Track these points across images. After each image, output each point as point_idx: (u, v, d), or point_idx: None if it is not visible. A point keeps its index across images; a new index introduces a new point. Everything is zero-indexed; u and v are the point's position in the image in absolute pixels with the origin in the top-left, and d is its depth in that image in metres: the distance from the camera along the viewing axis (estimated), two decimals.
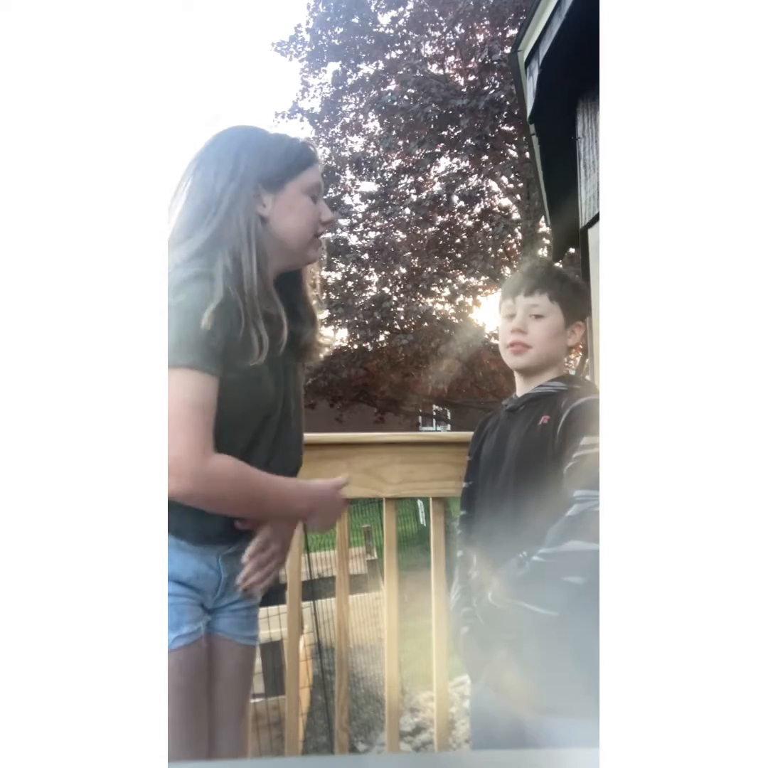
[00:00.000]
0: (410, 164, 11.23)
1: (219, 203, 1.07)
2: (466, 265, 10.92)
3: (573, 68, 2.93)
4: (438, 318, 11.05)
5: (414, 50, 11.50)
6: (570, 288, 1.33)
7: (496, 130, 10.40)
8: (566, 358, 1.40)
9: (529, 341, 1.29)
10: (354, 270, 11.24)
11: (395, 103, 10.32)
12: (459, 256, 11.27)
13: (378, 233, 11.41)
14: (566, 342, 1.32)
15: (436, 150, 10.75)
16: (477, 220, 11.22)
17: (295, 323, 1.18)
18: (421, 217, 11.01)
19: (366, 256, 11.26)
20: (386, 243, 11.04)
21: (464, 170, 11.06)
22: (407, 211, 11.11)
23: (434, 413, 14.90)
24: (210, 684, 1.16)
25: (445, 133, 10.60)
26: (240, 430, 1.09)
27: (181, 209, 1.10)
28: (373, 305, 10.68)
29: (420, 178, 11.40)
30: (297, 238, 1.14)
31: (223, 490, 1.03)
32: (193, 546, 1.09)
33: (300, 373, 1.26)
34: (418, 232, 11.32)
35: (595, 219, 3.11)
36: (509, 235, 11.14)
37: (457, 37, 11.07)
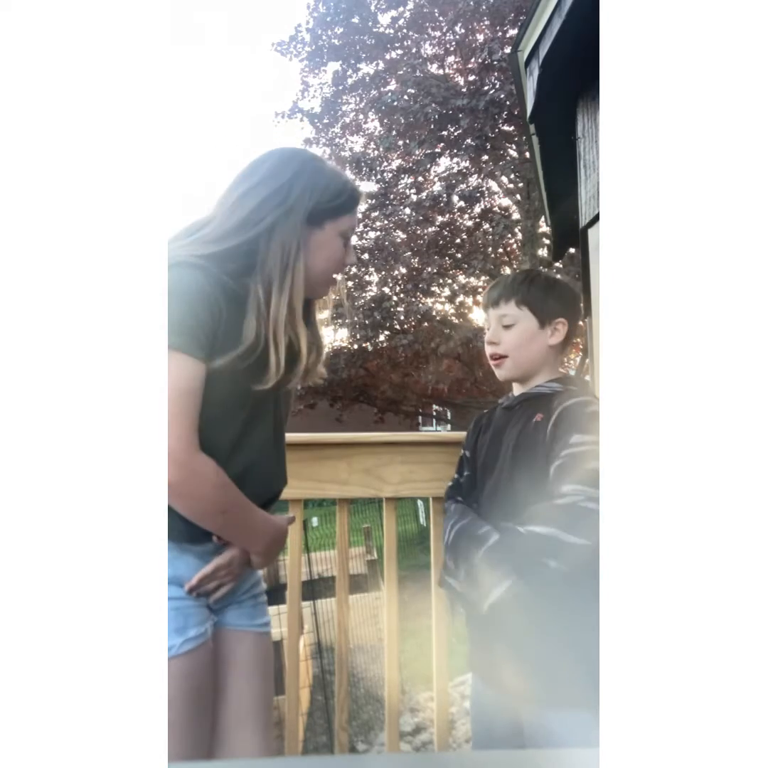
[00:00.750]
0: (410, 164, 11.23)
1: (260, 222, 1.06)
2: (466, 265, 10.93)
3: (573, 68, 2.93)
4: (438, 318, 11.06)
5: (414, 50, 11.50)
6: (539, 289, 1.33)
7: (496, 130, 10.40)
8: (565, 359, 1.40)
9: (504, 351, 1.31)
10: (354, 270, 11.24)
11: (395, 103, 10.32)
12: (459, 256, 11.27)
13: (378, 233, 11.41)
14: (546, 342, 1.31)
15: (436, 150, 10.75)
16: (477, 220, 11.22)
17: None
18: (421, 217, 11.01)
19: (366, 256, 11.26)
20: (386, 243, 11.04)
21: (464, 170, 11.06)
22: (407, 211, 11.11)
23: (434, 413, 14.90)
24: (228, 679, 1.15)
25: (445, 133, 10.60)
26: (223, 434, 1.07)
27: (222, 217, 1.08)
28: (373, 305, 10.68)
29: (420, 178, 11.41)
30: (319, 275, 1.14)
31: (203, 491, 1.02)
32: (193, 545, 1.08)
33: (291, 396, 1.28)
34: (418, 232, 11.32)
35: (595, 219, 3.11)
36: (509, 235, 11.14)
37: (457, 37, 11.07)
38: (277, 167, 1.10)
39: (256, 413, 1.11)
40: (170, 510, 1.00)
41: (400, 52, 11.56)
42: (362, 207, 11.07)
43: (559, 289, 1.35)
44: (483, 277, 11.17)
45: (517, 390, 1.36)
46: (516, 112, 9.38)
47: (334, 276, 1.18)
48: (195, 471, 1.00)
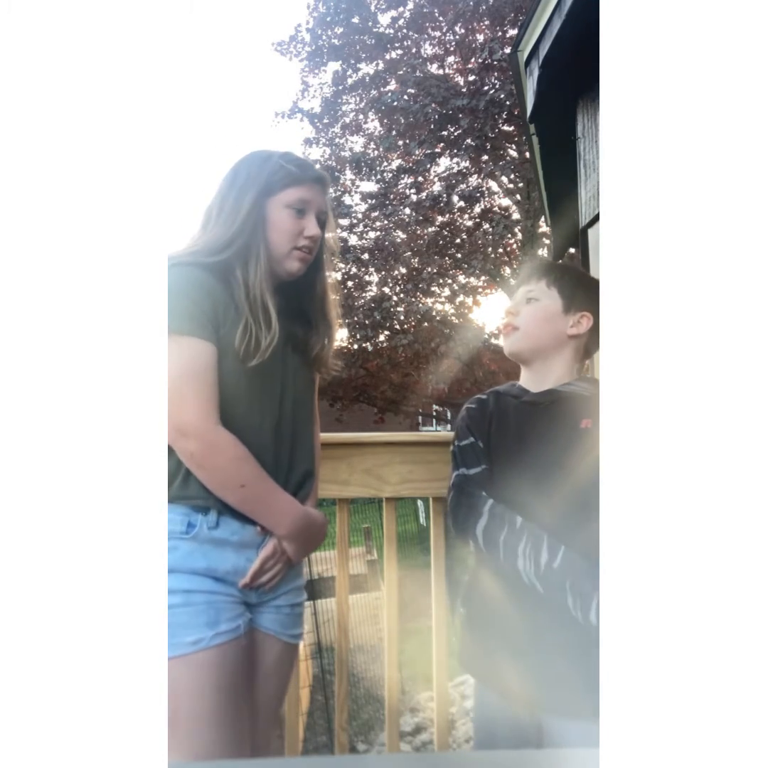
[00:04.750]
0: (410, 164, 11.23)
1: (220, 210, 1.19)
2: (466, 265, 10.93)
3: (573, 68, 2.94)
4: (438, 318, 11.05)
5: (414, 50, 11.51)
6: (573, 277, 1.30)
7: (496, 130, 10.40)
8: (582, 361, 1.32)
9: (518, 322, 1.27)
10: (354, 270, 11.24)
11: (395, 103, 10.33)
12: (459, 256, 11.27)
13: (378, 233, 11.41)
14: (564, 329, 1.26)
15: (436, 150, 10.76)
16: (477, 220, 11.22)
17: (309, 334, 1.27)
18: (421, 217, 11.01)
19: (366, 256, 11.26)
20: (386, 243, 11.05)
21: (464, 170, 11.07)
22: (407, 211, 11.11)
23: (434, 413, 14.91)
24: (252, 680, 1.18)
25: (445, 133, 10.61)
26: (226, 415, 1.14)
27: (215, 230, 1.20)
28: (373, 305, 10.69)
29: (420, 178, 11.41)
30: (277, 247, 1.21)
31: (220, 462, 1.09)
32: (242, 524, 1.13)
33: (307, 380, 1.30)
34: (418, 232, 11.32)
35: (595, 219, 3.11)
36: (509, 235, 11.15)
37: (457, 37, 11.08)
38: (237, 169, 1.22)
39: (257, 398, 1.17)
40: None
41: (400, 52, 11.56)
42: (362, 207, 11.05)
43: (594, 287, 1.30)
44: (483, 277, 11.17)
45: (535, 385, 1.27)
46: (516, 112, 9.39)
47: (297, 252, 1.23)
48: (214, 443, 1.08)
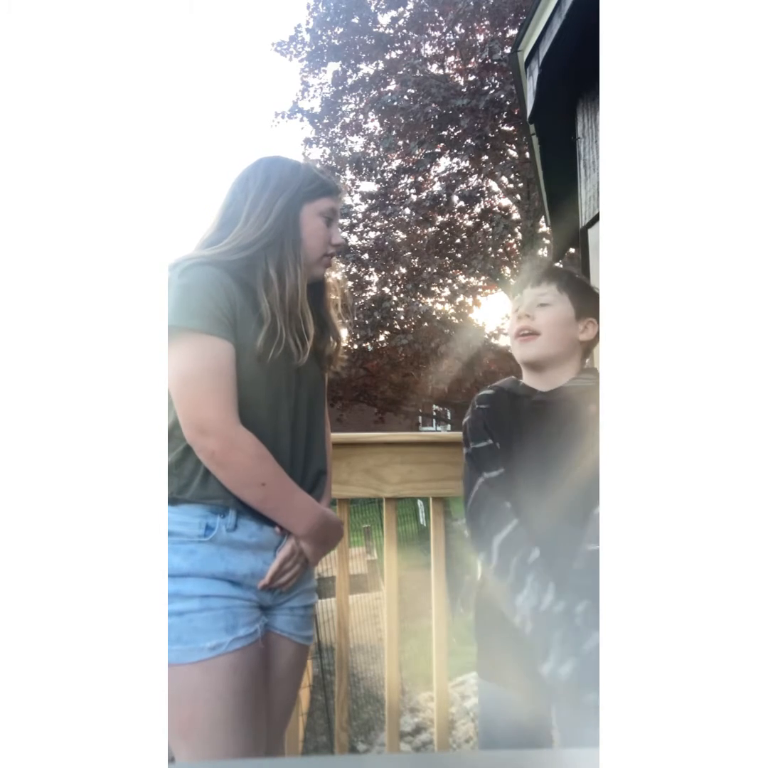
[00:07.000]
0: (410, 164, 11.23)
1: (271, 223, 1.18)
2: (466, 265, 10.93)
3: (573, 68, 2.94)
4: (438, 318, 11.05)
5: (414, 50, 11.50)
6: (579, 283, 1.30)
7: (496, 130, 10.40)
8: (585, 358, 1.33)
9: (537, 327, 1.24)
10: (354, 270, 11.24)
11: (395, 103, 10.32)
12: (459, 256, 11.27)
13: (378, 233, 11.41)
14: (577, 335, 1.26)
15: (436, 150, 10.75)
16: (477, 220, 11.22)
17: (322, 333, 1.28)
18: (421, 217, 11.01)
19: (366, 256, 11.25)
20: (386, 243, 11.04)
21: (464, 170, 11.06)
22: (407, 211, 11.11)
23: (434, 413, 14.89)
24: (267, 682, 1.18)
25: (445, 133, 10.60)
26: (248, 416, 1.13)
27: (241, 229, 1.20)
28: (373, 305, 10.68)
29: (420, 178, 11.40)
30: (310, 252, 1.23)
31: (241, 460, 1.09)
32: (260, 526, 1.13)
33: (318, 378, 1.30)
34: (418, 232, 11.32)
35: (595, 219, 3.11)
36: (509, 235, 11.14)
37: (457, 37, 11.07)
38: (267, 171, 1.23)
39: (273, 397, 1.17)
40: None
41: (400, 52, 11.56)
42: (362, 207, 11.04)
43: (593, 292, 1.31)
44: (483, 277, 11.16)
45: (539, 384, 1.26)
46: (516, 112, 9.38)
47: (326, 258, 1.27)
48: (234, 442, 1.08)
